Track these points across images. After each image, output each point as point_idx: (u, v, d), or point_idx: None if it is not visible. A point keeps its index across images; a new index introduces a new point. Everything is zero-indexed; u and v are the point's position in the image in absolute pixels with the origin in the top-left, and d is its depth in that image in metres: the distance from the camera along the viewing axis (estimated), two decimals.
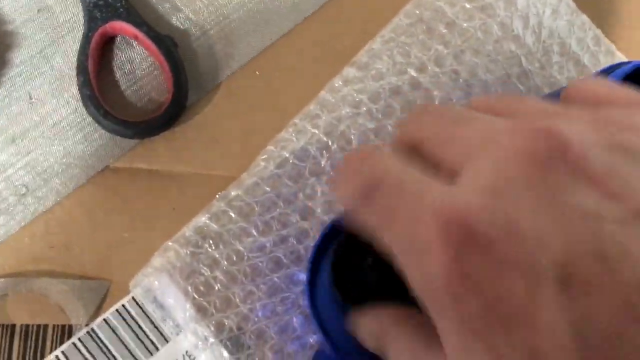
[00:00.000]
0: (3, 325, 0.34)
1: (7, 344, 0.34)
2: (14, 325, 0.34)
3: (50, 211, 0.36)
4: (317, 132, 0.39)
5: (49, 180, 0.36)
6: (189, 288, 0.36)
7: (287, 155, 0.39)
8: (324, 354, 0.30)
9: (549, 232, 0.17)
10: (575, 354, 0.17)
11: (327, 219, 0.38)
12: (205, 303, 0.36)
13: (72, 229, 0.36)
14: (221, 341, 0.35)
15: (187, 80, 0.38)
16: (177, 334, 0.36)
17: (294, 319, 0.36)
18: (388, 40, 0.41)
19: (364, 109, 0.40)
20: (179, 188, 0.38)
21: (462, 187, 0.19)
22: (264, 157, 0.38)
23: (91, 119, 0.36)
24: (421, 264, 0.19)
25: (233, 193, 0.37)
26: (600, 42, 0.43)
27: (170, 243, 0.36)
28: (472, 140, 0.21)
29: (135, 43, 0.39)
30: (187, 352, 0.36)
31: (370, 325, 0.26)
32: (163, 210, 0.37)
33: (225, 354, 0.35)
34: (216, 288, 0.36)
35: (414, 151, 0.23)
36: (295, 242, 0.38)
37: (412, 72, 0.41)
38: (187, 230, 0.36)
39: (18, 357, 0.34)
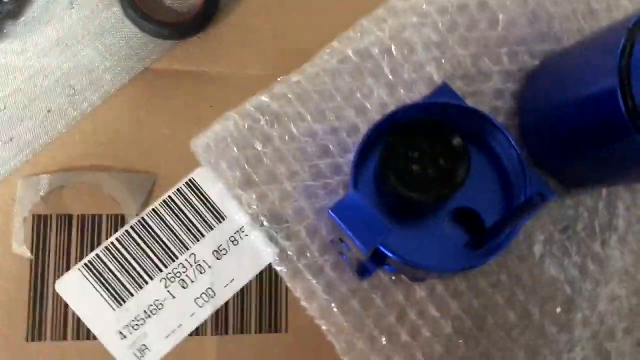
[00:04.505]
0: (62, 215, 0.37)
1: (67, 232, 0.37)
2: (71, 216, 0.37)
3: (97, 111, 0.38)
4: (381, 34, 0.40)
5: (94, 81, 0.38)
6: (241, 156, 0.38)
7: (350, 52, 0.40)
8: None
9: None
10: None
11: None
12: (253, 174, 0.38)
13: (118, 127, 0.38)
14: (262, 212, 0.38)
15: None
16: (221, 222, 0.38)
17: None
18: None
19: (430, 19, 0.41)
20: (215, 87, 0.39)
21: None
22: (327, 51, 0.40)
23: (129, 21, 0.38)
24: None
25: (294, 79, 0.39)
26: None
27: (231, 113, 0.38)
28: None
29: None
30: (229, 237, 0.38)
31: None
32: (201, 107, 0.39)
33: (265, 223, 0.38)
34: (265, 162, 0.38)
35: None
36: (345, 135, 0.40)
37: None
38: (248, 104, 0.39)
39: (77, 244, 0.37)
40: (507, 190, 0.36)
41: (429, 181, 0.34)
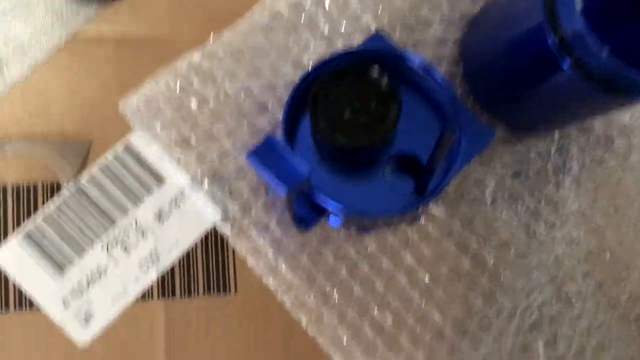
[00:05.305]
0: None
1: (2, 203, 0.37)
2: (5, 186, 0.37)
3: (27, 81, 0.38)
4: None
5: (23, 52, 0.38)
6: (176, 117, 0.37)
7: (283, 8, 0.39)
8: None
9: None
10: None
11: None
12: (189, 134, 0.38)
13: (49, 95, 0.38)
14: (202, 172, 0.37)
15: None
16: (160, 185, 0.38)
17: None
18: None
19: None
20: (147, 50, 0.39)
21: None
22: (259, 7, 0.39)
23: None
24: None
25: (226, 37, 0.38)
26: None
27: (161, 73, 0.38)
28: None
29: None
30: (171, 200, 0.38)
31: None
32: (133, 72, 0.39)
33: (206, 183, 0.37)
34: (201, 122, 0.38)
35: None
36: (283, 92, 0.39)
37: None
38: (179, 64, 0.38)
39: (13, 214, 0.36)
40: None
41: (361, 126, 0.33)
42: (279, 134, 0.39)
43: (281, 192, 0.27)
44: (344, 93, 0.33)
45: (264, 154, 0.27)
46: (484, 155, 0.40)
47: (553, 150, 0.41)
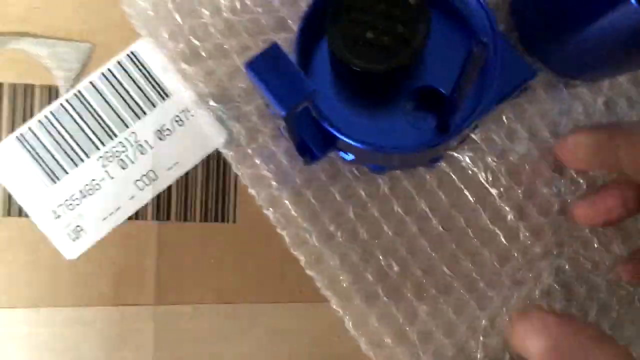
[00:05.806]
0: None
1: None
2: (1, 84, 0.35)
3: None
4: None
5: None
6: (185, 27, 0.34)
7: None
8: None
9: None
10: None
11: None
12: (199, 46, 0.34)
13: None
14: (209, 90, 0.34)
15: None
16: (164, 100, 0.35)
17: None
18: None
19: None
20: None
21: None
22: None
23: None
24: None
25: None
26: None
27: None
28: None
29: None
30: (174, 117, 0.35)
31: None
32: None
33: (212, 102, 0.34)
34: (213, 34, 0.34)
35: None
36: (305, 8, 0.35)
37: None
38: None
39: (8, 116, 0.35)
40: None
41: (382, 49, 0.30)
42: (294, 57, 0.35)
43: (280, 110, 0.24)
44: (368, 9, 0.29)
45: (266, 64, 0.24)
46: (520, 102, 0.36)
47: (600, 101, 0.37)
